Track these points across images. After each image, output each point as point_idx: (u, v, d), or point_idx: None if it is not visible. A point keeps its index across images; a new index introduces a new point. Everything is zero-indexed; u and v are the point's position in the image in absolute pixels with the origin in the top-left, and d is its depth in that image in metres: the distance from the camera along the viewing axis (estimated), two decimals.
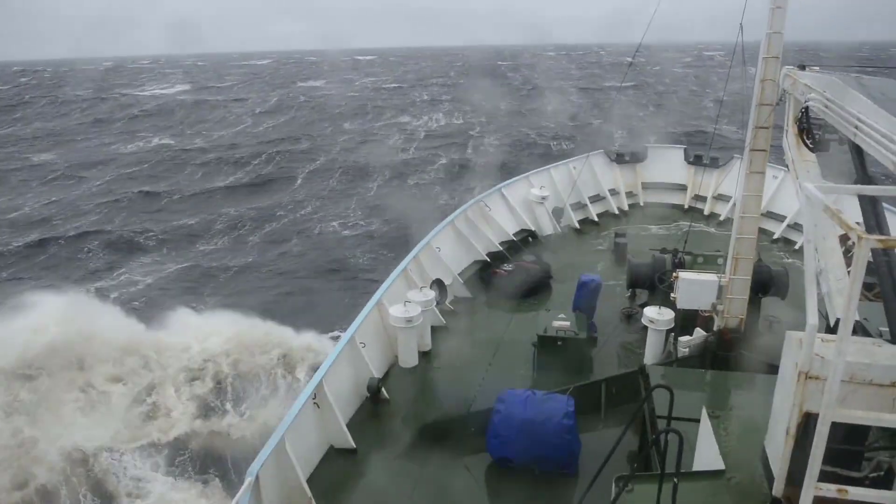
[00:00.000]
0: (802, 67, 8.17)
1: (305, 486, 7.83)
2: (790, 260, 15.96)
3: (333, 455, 8.88)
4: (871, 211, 6.25)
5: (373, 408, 9.87)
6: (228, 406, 15.55)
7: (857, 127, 5.23)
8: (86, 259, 27.34)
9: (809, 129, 7.39)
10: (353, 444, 8.92)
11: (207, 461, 13.62)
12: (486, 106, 67.18)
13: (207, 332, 17.94)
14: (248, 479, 6.93)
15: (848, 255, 7.82)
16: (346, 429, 8.99)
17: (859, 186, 5.65)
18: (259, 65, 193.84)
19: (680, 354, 10.35)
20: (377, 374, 10.18)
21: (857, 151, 6.41)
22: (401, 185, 37.46)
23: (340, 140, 52.70)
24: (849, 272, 5.51)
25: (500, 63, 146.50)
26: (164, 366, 16.81)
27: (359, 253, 26.83)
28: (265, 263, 26.43)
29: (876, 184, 6.21)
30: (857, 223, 4.36)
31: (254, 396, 15.89)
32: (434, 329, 12.05)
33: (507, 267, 14.32)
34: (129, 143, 55.89)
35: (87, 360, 16.51)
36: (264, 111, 74.22)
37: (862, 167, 6.62)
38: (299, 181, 40.25)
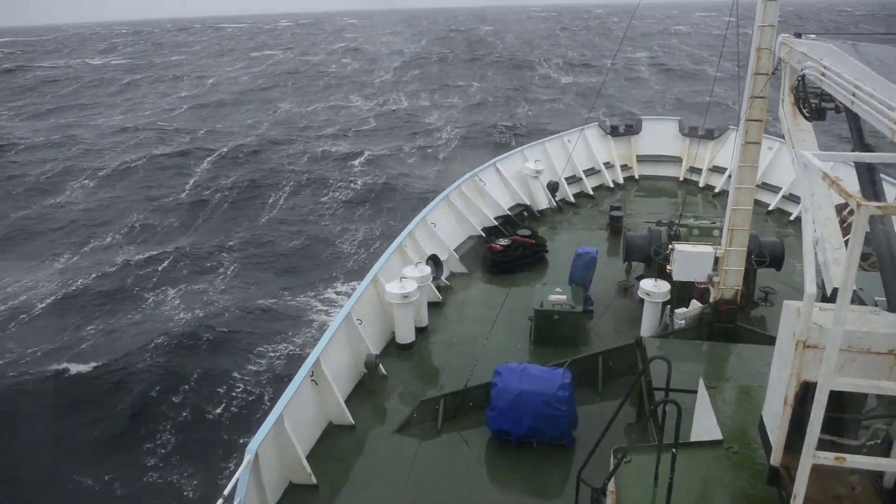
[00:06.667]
0: (798, 35, 8.07)
1: (305, 462, 7.87)
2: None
3: (332, 431, 8.91)
4: (868, 179, 6.22)
5: (371, 384, 9.90)
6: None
7: (854, 94, 5.17)
8: None
9: (806, 97, 7.33)
10: (351, 421, 8.96)
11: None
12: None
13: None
14: (248, 457, 6.94)
15: (844, 224, 7.84)
16: (344, 405, 9.01)
17: (857, 154, 5.59)
18: None
19: (676, 327, 10.38)
20: (374, 351, 10.18)
21: (855, 119, 6.35)
22: None
23: None
24: (846, 241, 5.51)
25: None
26: None
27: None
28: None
29: (873, 151, 6.17)
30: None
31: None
32: (430, 305, 12.04)
33: (503, 241, 14.29)
34: None
35: None
36: None
37: (859, 135, 6.56)
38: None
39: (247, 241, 24.75)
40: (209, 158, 36.15)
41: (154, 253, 23.58)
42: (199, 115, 52.76)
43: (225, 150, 37.72)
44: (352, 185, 30.47)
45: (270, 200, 29.15)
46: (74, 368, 16.18)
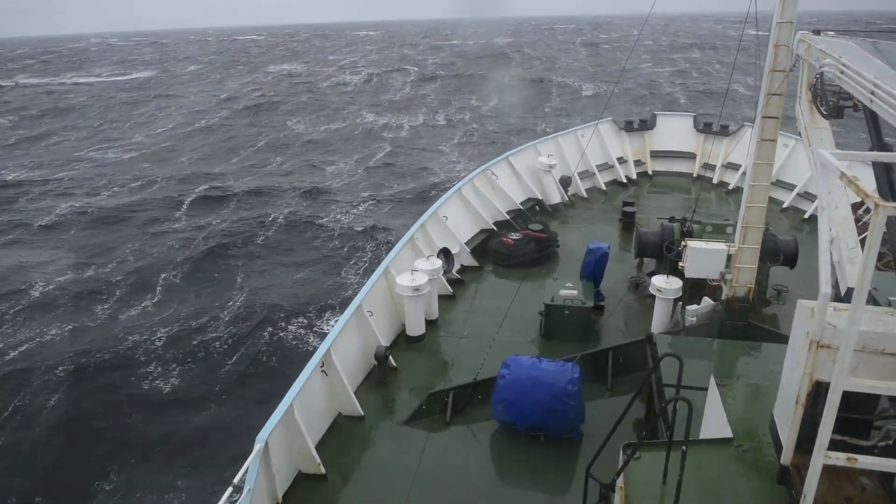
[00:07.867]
0: (817, 32, 8.01)
1: (314, 452, 7.92)
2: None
3: (341, 422, 8.96)
4: (886, 179, 6.16)
5: (380, 376, 9.93)
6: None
7: (872, 93, 5.12)
8: None
9: (824, 95, 7.25)
10: (360, 412, 9.00)
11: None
12: None
13: None
14: (258, 446, 6.99)
15: (859, 223, 7.75)
16: (353, 396, 9.05)
17: (875, 153, 5.53)
18: None
19: (688, 323, 10.32)
20: (385, 343, 10.21)
21: (873, 118, 6.29)
22: None
23: None
24: (861, 240, 5.42)
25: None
26: None
27: None
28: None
29: (891, 150, 6.12)
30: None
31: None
32: (441, 298, 12.06)
33: (515, 236, 14.27)
34: None
35: None
36: None
37: (877, 134, 6.51)
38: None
39: (248, 278, 22.62)
40: (213, 190, 33.06)
41: (148, 288, 21.83)
42: (206, 139, 48.84)
43: (231, 182, 34.73)
44: (358, 219, 28.06)
45: (272, 237, 26.58)
46: (82, 374, 16.13)
